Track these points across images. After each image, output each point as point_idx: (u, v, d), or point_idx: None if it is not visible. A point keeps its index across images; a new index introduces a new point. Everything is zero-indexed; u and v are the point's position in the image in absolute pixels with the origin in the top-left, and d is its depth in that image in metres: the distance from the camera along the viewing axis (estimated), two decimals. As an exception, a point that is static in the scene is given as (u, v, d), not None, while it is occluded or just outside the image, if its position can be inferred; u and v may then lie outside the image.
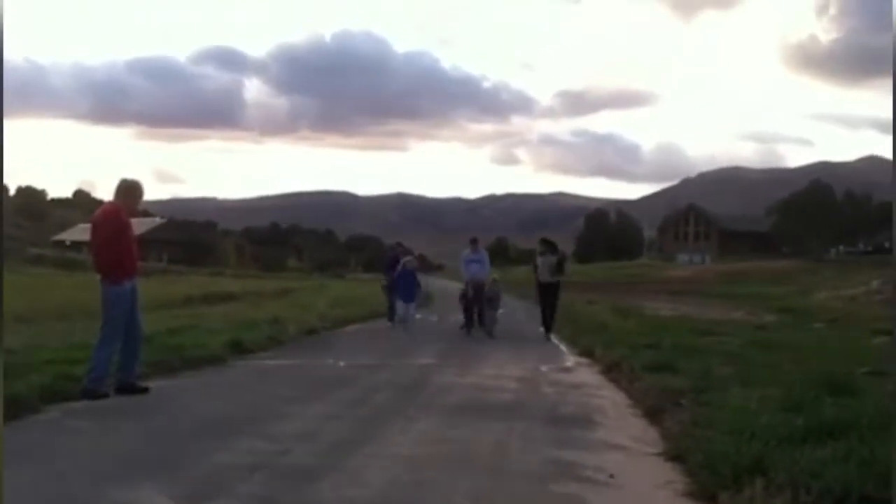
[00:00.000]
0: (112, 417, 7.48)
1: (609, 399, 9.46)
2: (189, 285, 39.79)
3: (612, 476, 5.70)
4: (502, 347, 15.11)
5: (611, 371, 11.47)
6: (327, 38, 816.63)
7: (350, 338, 17.33)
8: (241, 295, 33.96)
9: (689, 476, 5.62)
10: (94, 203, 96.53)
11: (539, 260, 18.05)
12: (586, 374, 11.79)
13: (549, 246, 18.28)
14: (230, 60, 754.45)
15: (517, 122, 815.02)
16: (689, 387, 8.46)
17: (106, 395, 8.34)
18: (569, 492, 5.37)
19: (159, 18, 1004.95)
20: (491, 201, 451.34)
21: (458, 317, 19.60)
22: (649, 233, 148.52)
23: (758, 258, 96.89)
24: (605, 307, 26.32)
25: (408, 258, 18.74)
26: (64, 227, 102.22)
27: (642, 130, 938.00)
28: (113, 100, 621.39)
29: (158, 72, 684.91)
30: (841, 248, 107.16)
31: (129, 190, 9.06)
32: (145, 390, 8.76)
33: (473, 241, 19.54)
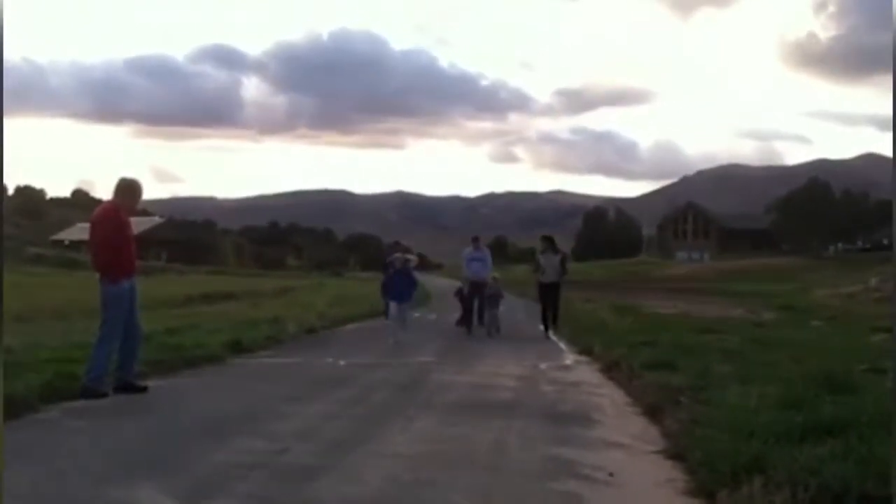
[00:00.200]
0: (111, 416, 7.48)
1: (608, 397, 9.46)
2: (188, 284, 39.83)
3: (611, 474, 5.69)
4: (501, 346, 15.12)
5: (610, 369, 11.47)
6: (325, 36, 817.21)
7: (349, 336, 17.33)
8: (240, 294, 33.99)
9: (688, 474, 5.62)
10: (92, 202, 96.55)
11: (541, 258, 17.79)
12: (585, 372, 11.79)
13: (551, 243, 18.04)
14: (228, 59, 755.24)
15: (515, 120, 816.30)
16: (688, 385, 8.45)
17: (105, 395, 8.34)
18: (568, 490, 5.36)
19: (157, 17, 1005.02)
20: (490, 199, 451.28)
21: (455, 315, 19.47)
22: (648, 231, 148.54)
23: (757, 256, 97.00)
24: (604, 305, 26.32)
25: (397, 255, 18.04)
26: (63, 226, 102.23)
27: (641, 128, 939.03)
28: (111, 99, 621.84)
29: (157, 70, 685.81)
30: (840, 245, 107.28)
31: (128, 189, 9.05)
32: (144, 389, 8.76)
33: (475, 240, 19.55)
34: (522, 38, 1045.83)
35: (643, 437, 7.07)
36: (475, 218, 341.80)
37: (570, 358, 13.60)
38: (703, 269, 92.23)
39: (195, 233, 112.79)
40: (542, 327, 17.66)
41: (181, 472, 5.49)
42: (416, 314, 23.07)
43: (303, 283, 50.24)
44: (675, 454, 6.18)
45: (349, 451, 6.19)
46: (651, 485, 5.53)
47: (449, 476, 5.56)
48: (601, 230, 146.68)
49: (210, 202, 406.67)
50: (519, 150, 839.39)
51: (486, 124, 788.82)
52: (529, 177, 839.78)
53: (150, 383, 9.06)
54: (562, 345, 15.43)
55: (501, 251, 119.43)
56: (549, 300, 17.52)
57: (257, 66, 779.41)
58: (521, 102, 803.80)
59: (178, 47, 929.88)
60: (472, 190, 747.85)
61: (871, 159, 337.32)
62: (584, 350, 14.19)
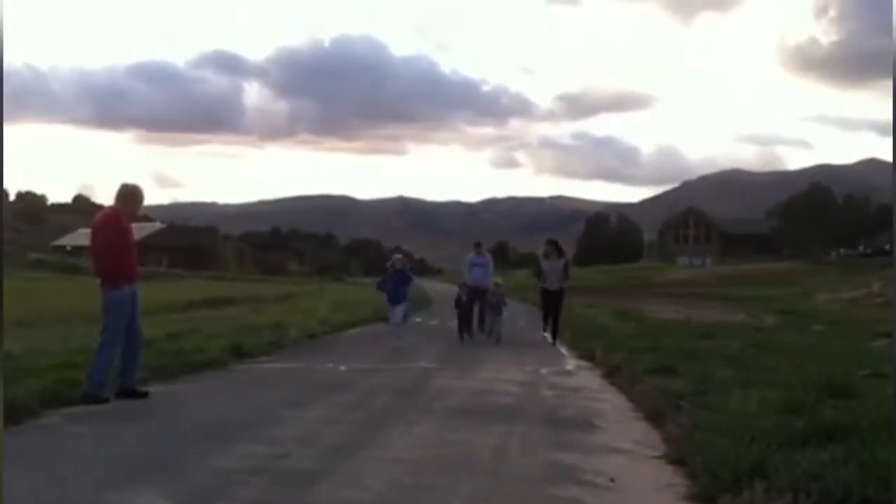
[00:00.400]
0: (112, 422, 7.48)
1: (609, 402, 9.45)
2: (189, 290, 39.82)
3: (612, 480, 5.69)
4: (502, 351, 15.10)
5: (611, 374, 11.46)
6: (326, 42, 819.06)
7: (350, 342, 17.33)
8: (242, 299, 33.97)
9: (689, 479, 5.61)
10: (93, 208, 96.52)
11: (544, 263, 17.13)
12: (587, 378, 11.77)
13: (556, 247, 17.36)
14: (229, 64, 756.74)
15: (516, 125, 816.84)
16: (689, 390, 8.46)
17: (106, 400, 8.34)
18: (569, 495, 5.36)
19: (158, 23, 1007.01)
20: (491, 205, 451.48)
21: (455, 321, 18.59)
22: (649, 236, 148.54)
23: (758, 261, 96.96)
24: (606, 310, 26.30)
25: (397, 256, 17.52)
26: (64, 231, 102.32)
27: (642, 133, 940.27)
28: (112, 104, 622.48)
29: (158, 76, 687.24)
30: (841, 250, 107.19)
31: (129, 195, 9.07)
32: (145, 395, 8.76)
33: (477, 245, 19.52)
34: (523, 43, 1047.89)
35: (644, 442, 7.06)
36: (476, 223, 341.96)
37: (571, 363, 13.58)
38: (705, 273, 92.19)
39: (196, 238, 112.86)
40: (544, 335, 17.15)
41: (182, 477, 5.49)
42: (418, 319, 23.06)
43: (304, 289, 50.25)
44: (676, 459, 6.17)
45: (350, 455, 6.19)
46: (652, 490, 5.52)
47: (450, 481, 5.56)
48: (603, 235, 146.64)
49: (211, 207, 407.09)
50: (520, 156, 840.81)
51: (488, 130, 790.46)
52: (531, 182, 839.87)
53: (152, 389, 9.06)
54: (563, 350, 15.41)
55: (503, 256, 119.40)
56: (552, 308, 16.94)
57: (258, 72, 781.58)
58: (522, 108, 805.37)
59: (179, 53, 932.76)
60: (473, 195, 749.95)
61: (872, 164, 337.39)
62: (586, 355, 14.17)
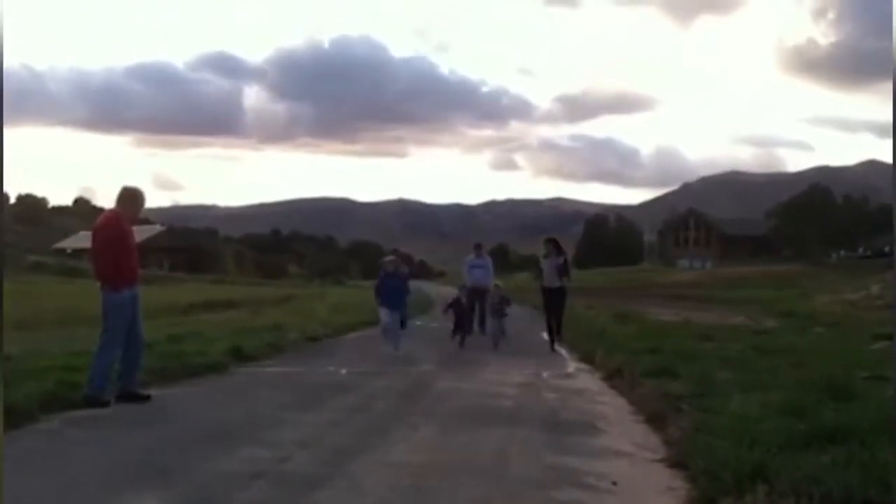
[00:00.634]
0: (113, 425, 7.48)
1: (610, 405, 9.46)
2: (190, 292, 39.87)
3: (614, 483, 5.69)
4: (503, 354, 15.09)
5: (612, 377, 11.46)
6: (326, 43, 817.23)
7: (351, 345, 17.31)
8: (242, 302, 34.02)
9: (690, 482, 5.61)
10: (94, 211, 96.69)
11: (543, 263, 16.51)
12: (587, 380, 11.78)
13: (555, 246, 16.66)
14: (229, 67, 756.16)
15: (516, 127, 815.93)
16: (690, 392, 8.46)
17: (107, 403, 8.34)
18: (570, 498, 5.36)
19: (157, 24, 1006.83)
20: (491, 207, 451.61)
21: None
22: (649, 237, 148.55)
23: (758, 262, 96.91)
24: (606, 313, 26.28)
25: (388, 258, 16.57)
26: (65, 234, 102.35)
27: (641, 135, 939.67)
28: (111, 106, 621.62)
29: (157, 78, 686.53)
30: (841, 252, 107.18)
31: (130, 197, 9.07)
32: (146, 398, 8.76)
33: (477, 247, 19.56)
34: (523, 44, 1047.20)
35: (645, 445, 7.07)
36: (476, 225, 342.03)
37: (571, 366, 13.58)
38: (705, 275, 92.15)
39: (196, 241, 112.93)
40: (546, 337, 16.55)
41: (183, 481, 5.49)
42: (419, 322, 23.05)
43: (304, 291, 50.28)
44: (677, 462, 6.18)
45: (351, 459, 6.19)
46: (653, 493, 5.53)
47: (451, 485, 5.56)
48: (602, 237, 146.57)
49: (211, 210, 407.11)
50: (519, 158, 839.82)
51: (487, 131, 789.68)
52: (530, 184, 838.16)
53: (153, 392, 9.06)
54: (563, 353, 15.40)
55: (503, 258, 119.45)
56: (554, 307, 16.28)
57: (258, 74, 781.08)
58: (521, 109, 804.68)
59: (178, 55, 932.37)
60: (472, 197, 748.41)
61: (872, 166, 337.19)
62: (586, 358, 14.17)
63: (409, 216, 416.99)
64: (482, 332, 17.82)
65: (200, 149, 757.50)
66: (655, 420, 7.93)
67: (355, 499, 5.22)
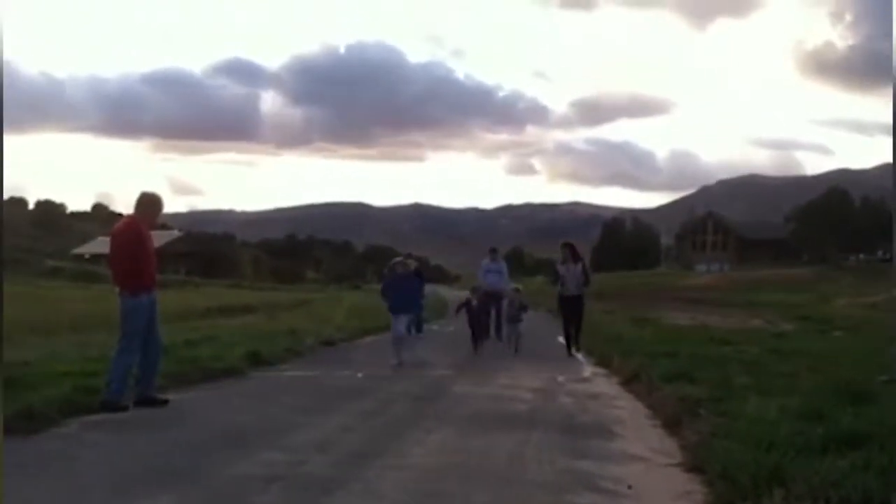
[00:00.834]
0: (131, 430, 7.51)
1: (627, 409, 9.42)
2: (207, 297, 40.00)
3: (630, 487, 5.67)
4: (519, 358, 15.06)
5: (629, 381, 11.41)
6: (341, 49, 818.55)
7: (367, 349, 17.31)
8: (259, 307, 34.09)
9: (707, 486, 5.59)
10: (112, 216, 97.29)
11: (562, 269, 15.93)
12: (604, 385, 11.74)
13: (572, 251, 16.21)
14: (245, 72, 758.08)
15: (532, 131, 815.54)
16: (707, 396, 8.41)
17: (125, 408, 8.38)
18: (586, 503, 5.35)
19: (174, 31, 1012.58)
20: (507, 211, 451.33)
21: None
22: (667, 241, 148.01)
23: (776, 266, 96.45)
24: (623, 317, 26.24)
25: (397, 259, 15.64)
26: (83, 240, 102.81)
27: (658, 139, 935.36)
28: (129, 113, 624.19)
29: (174, 84, 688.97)
30: (860, 255, 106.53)
31: (149, 203, 9.12)
32: (164, 402, 8.80)
33: (493, 251, 19.60)
34: (538, 49, 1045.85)
35: (662, 449, 7.04)
36: (492, 230, 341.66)
37: (588, 370, 13.55)
38: (722, 279, 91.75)
39: (214, 246, 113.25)
40: (562, 340, 16.36)
41: (200, 484, 5.51)
42: (435, 326, 23.06)
43: (321, 296, 50.36)
44: (694, 466, 6.15)
45: (367, 463, 6.20)
46: (670, 497, 5.50)
47: (466, 489, 5.55)
48: (619, 241, 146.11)
49: (228, 215, 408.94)
50: (536, 162, 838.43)
51: (503, 136, 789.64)
52: (546, 188, 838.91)
53: (170, 396, 9.10)
54: (580, 357, 15.36)
55: (518, 262, 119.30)
56: (573, 315, 15.94)
57: (274, 80, 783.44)
58: (537, 114, 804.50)
59: (195, 61, 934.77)
60: (489, 202, 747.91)
61: (890, 169, 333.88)
62: (603, 362, 14.13)
63: (426, 220, 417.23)
64: (498, 338, 17.83)
65: (217, 154, 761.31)
66: (672, 424, 7.89)
67: (371, 502, 5.23)
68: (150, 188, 9.28)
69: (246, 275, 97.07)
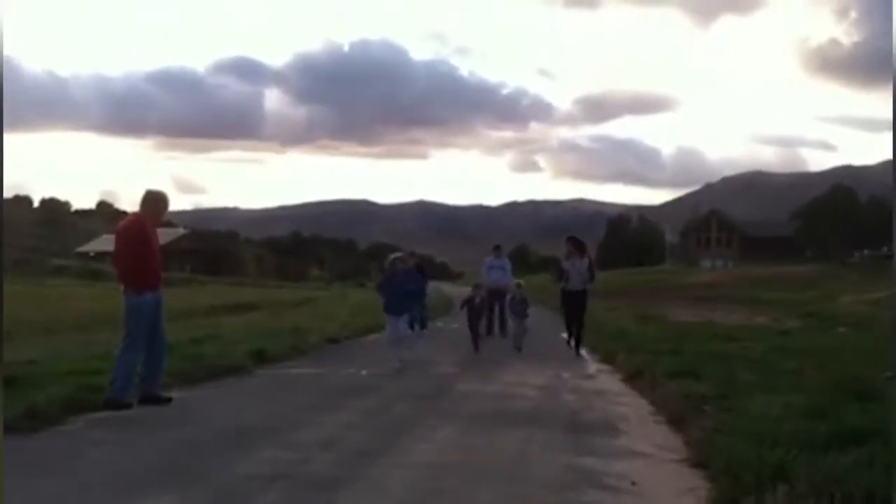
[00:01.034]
0: (134, 428, 7.52)
1: (631, 406, 9.43)
2: (211, 295, 40.05)
3: (634, 483, 5.68)
4: (523, 355, 15.06)
5: (633, 378, 11.42)
6: (345, 47, 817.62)
7: (371, 347, 17.30)
8: (263, 304, 34.14)
9: (711, 483, 5.59)
10: (116, 214, 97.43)
11: (566, 264, 15.69)
12: (608, 382, 11.75)
13: (578, 246, 15.84)
14: (249, 71, 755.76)
15: (536, 128, 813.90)
16: (711, 393, 8.42)
17: (129, 406, 8.39)
18: (590, 500, 5.36)
19: (178, 30, 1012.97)
20: (512, 208, 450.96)
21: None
22: (671, 238, 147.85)
23: (781, 263, 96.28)
24: (627, 313, 26.23)
25: (395, 254, 14.52)
26: (88, 238, 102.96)
27: (662, 136, 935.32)
28: (134, 111, 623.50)
29: (178, 83, 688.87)
30: (865, 251, 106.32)
31: (154, 201, 9.12)
32: (168, 400, 8.80)
33: (496, 248, 19.63)
34: (542, 46, 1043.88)
35: (666, 445, 7.04)
36: (497, 227, 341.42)
37: (592, 367, 13.56)
38: (727, 276, 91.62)
39: (218, 244, 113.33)
40: (565, 336, 16.25)
41: (203, 482, 5.52)
42: (440, 324, 23.06)
43: (325, 294, 50.35)
44: (698, 463, 6.16)
45: (371, 461, 6.20)
46: (674, 494, 5.50)
47: (471, 486, 5.56)
48: (624, 238, 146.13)
49: (233, 213, 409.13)
50: (540, 159, 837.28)
51: (507, 133, 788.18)
52: (551, 185, 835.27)
53: (175, 394, 9.10)
54: (584, 354, 15.35)
55: (523, 259, 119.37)
56: (575, 311, 15.65)
57: (278, 78, 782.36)
58: (541, 111, 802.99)
59: (199, 60, 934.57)
60: (493, 199, 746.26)
61: None
62: (607, 359, 14.14)
63: (430, 218, 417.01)
64: (503, 335, 17.81)
65: (222, 152, 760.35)
66: (676, 421, 7.90)
67: (376, 500, 5.23)
68: (154, 186, 9.27)
69: (250, 272, 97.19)
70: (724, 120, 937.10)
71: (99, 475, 5.71)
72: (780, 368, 10.53)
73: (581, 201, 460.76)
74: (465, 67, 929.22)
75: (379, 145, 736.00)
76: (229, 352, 12.57)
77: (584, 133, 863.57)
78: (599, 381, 11.76)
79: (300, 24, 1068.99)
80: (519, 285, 17.21)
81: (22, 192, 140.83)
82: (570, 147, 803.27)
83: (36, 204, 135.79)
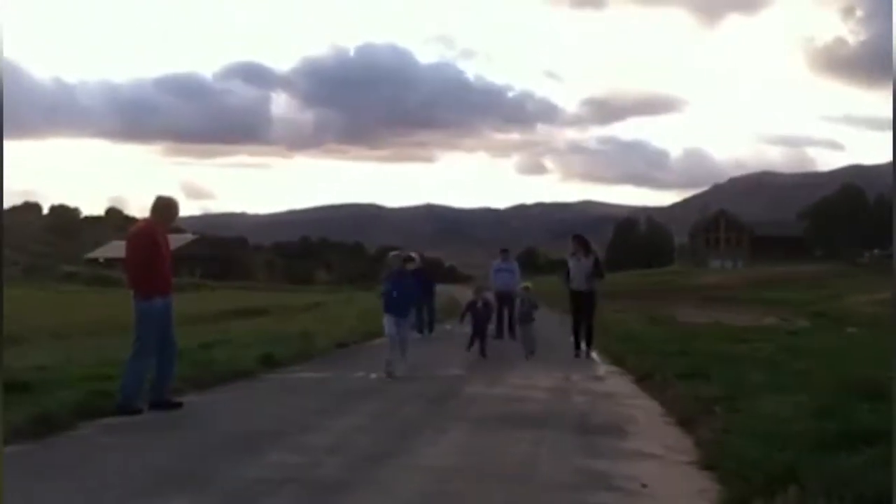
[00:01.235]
0: (145, 433, 7.54)
1: (641, 407, 9.41)
2: (220, 300, 40.14)
3: (644, 485, 5.67)
4: (532, 358, 15.03)
5: (643, 379, 11.40)
6: (351, 51, 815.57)
7: (379, 350, 17.19)
8: (272, 309, 34.20)
9: (721, 484, 5.57)
10: (126, 220, 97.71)
11: (571, 263, 15.25)
12: (618, 383, 11.73)
13: (583, 245, 15.36)
14: (256, 76, 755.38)
15: (543, 130, 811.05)
16: (721, 394, 8.40)
17: (140, 411, 8.40)
18: (600, 502, 5.35)
19: (185, 36, 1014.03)
20: (519, 211, 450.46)
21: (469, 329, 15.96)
22: (680, 239, 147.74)
23: (790, 263, 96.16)
24: (637, 315, 26.21)
25: (393, 253, 14.13)
26: (98, 244, 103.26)
27: (670, 137, 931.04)
28: (142, 117, 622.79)
29: (186, 88, 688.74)
30: (875, 251, 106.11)
31: (164, 207, 9.15)
32: (179, 405, 8.82)
33: (504, 251, 19.61)
34: (549, 48, 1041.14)
35: (676, 447, 7.03)
36: (505, 230, 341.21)
37: (602, 369, 13.53)
38: (736, 277, 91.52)
39: (227, 249, 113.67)
40: (573, 340, 15.51)
41: (213, 487, 5.53)
42: (448, 326, 23.04)
43: (333, 298, 50.42)
44: (708, 464, 6.14)
45: (380, 464, 6.21)
46: (684, 495, 5.50)
47: (480, 489, 5.56)
48: (633, 239, 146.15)
49: (241, 218, 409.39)
50: (547, 161, 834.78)
51: (514, 135, 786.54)
52: (559, 187, 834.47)
53: (185, 399, 9.12)
54: (594, 356, 15.31)
55: (531, 262, 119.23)
56: (583, 312, 15.11)
57: (285, 83, 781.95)
58: (548, 113, 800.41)
59: (206, 65, 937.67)
60: (501, 202, 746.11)
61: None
62: (617, 360, 14.11)
63: (438, 221, 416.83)
64: (512, 338, 17.75)
65: (229, 157, 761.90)
66: (686, 422, 7.88)
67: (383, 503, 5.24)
68: (163, 192, 9.31)
69: (259, 277, 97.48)
70: (732, 120, 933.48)
71: (110, 480, 5.72)
72: (789, 369, 10.51)
73: (589, 203, 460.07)
74: (472, 70, 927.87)
75: (386, 149, 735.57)
76: (238, 356, 12.60)
77: (592, 135, 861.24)
78: (609, 383, 11.74)
79: (306, 29, 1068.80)
80: (526, 288, 16.51)
81: (31, 199, 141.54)
82: (577, 149, 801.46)
83: (45, 211, 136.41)
